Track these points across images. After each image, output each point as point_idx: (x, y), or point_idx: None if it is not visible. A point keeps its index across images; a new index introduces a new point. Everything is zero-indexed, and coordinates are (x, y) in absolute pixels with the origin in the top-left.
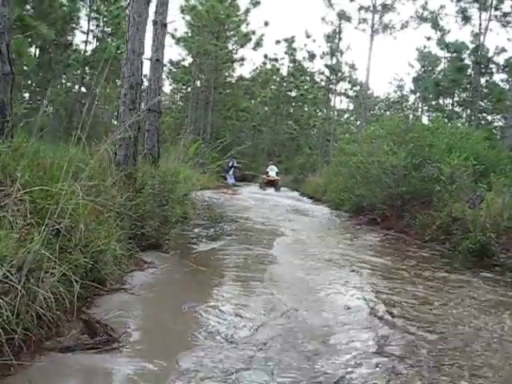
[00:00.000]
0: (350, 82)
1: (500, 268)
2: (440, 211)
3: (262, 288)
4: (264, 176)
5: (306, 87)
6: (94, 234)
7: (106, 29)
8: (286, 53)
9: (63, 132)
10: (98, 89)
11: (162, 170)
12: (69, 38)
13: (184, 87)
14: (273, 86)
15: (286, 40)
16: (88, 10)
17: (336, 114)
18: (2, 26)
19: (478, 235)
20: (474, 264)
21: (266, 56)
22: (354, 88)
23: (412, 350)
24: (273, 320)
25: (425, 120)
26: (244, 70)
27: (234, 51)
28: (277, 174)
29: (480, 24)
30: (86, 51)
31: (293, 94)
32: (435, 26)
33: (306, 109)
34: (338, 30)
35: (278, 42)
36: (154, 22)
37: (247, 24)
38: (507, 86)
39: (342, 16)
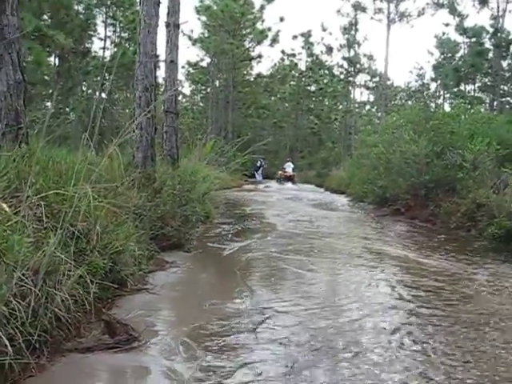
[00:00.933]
0: (368, 73)
1: None
2: (464, 198)
3: (291, 286)
4: (281, 172)
5: (325, 81)
6: (112, 236)
7: (122, 34)
8: (303, 47)
9: (87, 138)
10: (117, 94)
11: (181, 170)
12: (87, 45)
13: (203, 88)
14: (292, 82)
15: (302, 35)
16: (104, 16)
17: (357, 106)
18: (12, 35)
19: (503, 221)
20: (499, 249)
21: (283, 52)
22: (374, 79)
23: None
24: (310, 321)
25: (447, 108)
26: (262, 68)
27: (251, 49)
28: (293, 170)
29: (498, 6)
30: (104, 57)
31: (312, 88)
32: (452, 11)
33: (327, 103)
34: (354, 22)
35: (294, 37)
36: (167, 24)
37: (262, 21)
38: None
39: (358, 7)
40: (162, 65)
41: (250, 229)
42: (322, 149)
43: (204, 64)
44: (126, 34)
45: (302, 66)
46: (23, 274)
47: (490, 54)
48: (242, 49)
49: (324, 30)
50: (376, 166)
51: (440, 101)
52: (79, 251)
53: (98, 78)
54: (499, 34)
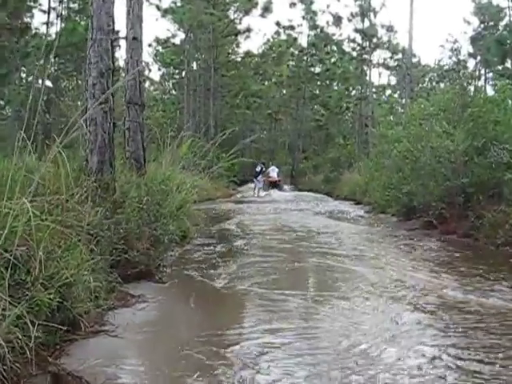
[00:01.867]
0: (388, 49)
1: None
2: None
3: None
4: (265, 178)
5: (332, 60)
6: (60, 264)
7: (71, 5)
8: (303, 18)
9: (26, 138)
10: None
11: (149, 178)
12: (25, 20)
13: (176, 71)
14: (290, 62)
15: (302, 1)
16: None
17: (374, 91)
18: None
19: None
20: None
21: (278, 24)
22: (395, 56)
23: None
24: None
25: (489, 91)
26: (251, 45)
27: (237, 21)
28: (278, 174)
29: None
30: (48, 35)
31: (317, 69)
32: None
33: (336, 88)
34: None
35: (292, 4)
36: None
37: None
38: None
39: None
40: (123, 43)
41: (238, 252)
42: (330, 146)
43: (177, 41)
44: (76, 5)
45: (303, 42)
46: None
47: None
48: (224, 21)
49: None
50: (400, 166)
51: (481, 82)
52: (17, 284)
53: (41, 62)
54: None
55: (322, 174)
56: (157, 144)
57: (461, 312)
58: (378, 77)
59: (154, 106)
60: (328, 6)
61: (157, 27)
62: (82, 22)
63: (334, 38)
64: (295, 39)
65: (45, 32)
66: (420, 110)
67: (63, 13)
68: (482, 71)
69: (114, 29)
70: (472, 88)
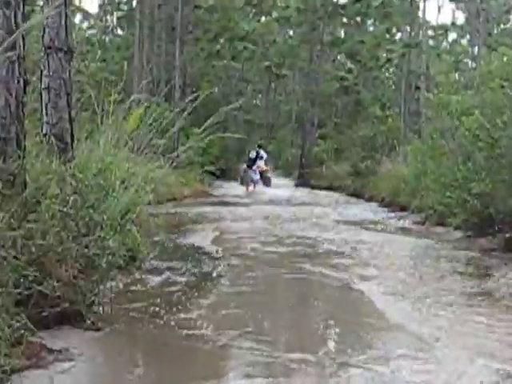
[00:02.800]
0: None
1: None
2: None
3: None
4: (245, 166)
5: None
6: None
7: None
8: None
9: None
10: None
11: (79, 166)
12: None
13: (124, 1)
14: None
15: None
16: None
17: (430, 35)
18: None
19: None
20: None
21: None
22: None
23: None
24: None
25: None
26: None
27: None
28: (266, 162)
29: None
30: None
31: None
32: None
33: (371, 28)
34: None
35: None
36: None
37: None
38: None
39: None
40: None
41: (214, 284)
42: (361, 120)
43: None
44: None
45: None
46: None
47: None
48: None
49: None
50: (470, 153)
51: None
52: None
53: None
54: None
55: (347, 163)
56: (91, 113)
57: None
58: (437, 12)
59: (89, 54)
60: None
61: None
62: None
63: None
64: None
65: None
66: (502, 66)
67: None
68: None
69: None
70: None
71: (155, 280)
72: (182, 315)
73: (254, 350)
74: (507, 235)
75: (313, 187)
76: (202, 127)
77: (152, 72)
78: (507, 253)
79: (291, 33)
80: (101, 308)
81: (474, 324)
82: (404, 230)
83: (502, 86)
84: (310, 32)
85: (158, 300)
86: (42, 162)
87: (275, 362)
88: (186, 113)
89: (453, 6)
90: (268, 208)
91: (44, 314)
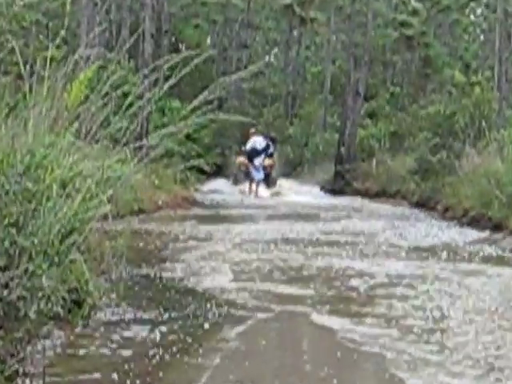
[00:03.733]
0: None
1: None
2: None
3: None
4: (241, 159)
5: None
6: None
7: None
8: None
9: None
10: None
11: None
12: None
13: None
14: None
15: None
16: None
17: None
18: None
19: None
20: None
21: None
22: None
23: None
24: None
25: None
26: None
27: None
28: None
29: None
30: None
31: None
32: None
33: None
34: None
35: None
36: None
37: None
38: None
39: None
40: None
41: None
42: (432, 89)
43: None
44: None
45: None
46: None
47: None
48: None
49: None
50: None
51: None
52: None
53: None
54: None
55: (410, 157)
56: (15, 78)
57: None
58: None
59: None
60: None
61: None
62: None
63: None
64: None
65: None
66: None
67: None
68: None
69: None
70: None
71: (113, 339)
72: None
73: None
74: None
75: (357, 192)
76: (189, 106)
77: (109, 13)
78: None
79: None
80: (27, 380)
81: None
82: (500, 263)
83: None
84: None
85: (115, 373)
86: None
87: None
88: (161, 78)
89: None
90: (283, 225)
91: None
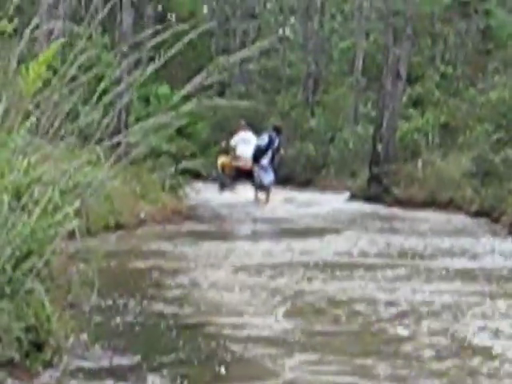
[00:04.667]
0: None
1: None
2: None
3: None
4: (224, 159)
5: None
6: None
7: None
8: None
9: None
10: None
11: None
12: None
13: None
14: None
15: None
16: None
17: None
18: None
19: None
20: None
21: None
22: None
23: None
24: None
25: None
26: None
27: None
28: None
29: None
30: None
31: None
32: None
33: None
34: None
35: None
36: None
37: None
38: None
39: None
40: None
41: None
42: (494, 69)
43: None
44: None
45: None
46: None
47: None
48: None
49: None
50: None
51: None
52: None
53: None
54: None
55: (466, 156)
56: None
57: None
58: None
59: None
60: None
61: None
62: None
63: None
64: None
65: None
66: None
67: None
68: None
69: None
70: None
71: None
72: None
73: None
74: None
75: (398, 201)
76: (181, 92)
77: None
78: None
79: None
80: None
81: None
82: None
83: None
84: None
85: None
86: None
87: None
88: (144, 57)
89: None
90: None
91: None
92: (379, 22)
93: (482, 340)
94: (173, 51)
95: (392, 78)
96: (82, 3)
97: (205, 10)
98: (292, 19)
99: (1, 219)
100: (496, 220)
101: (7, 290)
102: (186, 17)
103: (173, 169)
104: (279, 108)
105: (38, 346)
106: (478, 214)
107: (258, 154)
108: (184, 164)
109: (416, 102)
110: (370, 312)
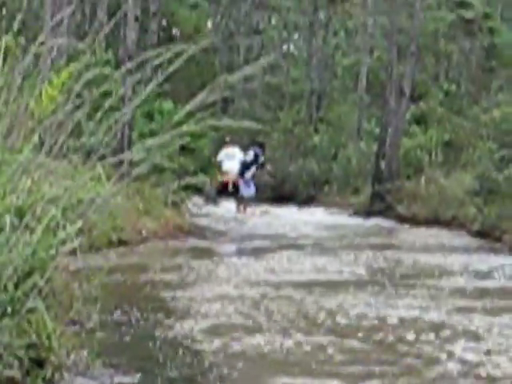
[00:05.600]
0: None
1: None
2: None
3: None
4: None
5: None
6: None
7: None
8: None
9: None
10: None
11: None
12: None
13: None
14: None
15: None
16: None
17: None
18: None
19: None
20: None
21: None
22: None
23: None
24: None
25: None
26: None
27: None
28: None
29: None
30: None
31: None
32: None
33: None
34: None
35: None
36: None
37: None
38: None
39: None
40: None
41: None
42: (498, 87)
43: None
44: None
45: None
46: None
47: None
48: None
49: None
50: None
51: None
52: None
53: None
54: None
55: (469, 174)
56: None
57: None
58: None
59: None
60: None
61: None
62: None
63: None
64: None
65: None
66: None
67: None
68: None
69: None
70: None
71: None
72: None
73: None
74: None
75: (400, 218)
76: (184, 109)
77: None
78: None
79: None
80: None
81: None
82: None
83: None
84: None
85: None
86: None
87: None
88: (149, 73)
89: None
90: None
91: None
92: (383, 38)
93: None
94: (175, 67)
95: (396, 95)
96: (87, 17)
97: (209, 25)
98: (296, 35)
99: (2, 238)
100: (498, 239)
101: (8, 308)
102: (190, 32)
103: (175, 184)
104: (282, 124)
105: (39, 364)
106: (480, 233)
107: (243, 169)
108: (187, 180)
109: (419, 120)
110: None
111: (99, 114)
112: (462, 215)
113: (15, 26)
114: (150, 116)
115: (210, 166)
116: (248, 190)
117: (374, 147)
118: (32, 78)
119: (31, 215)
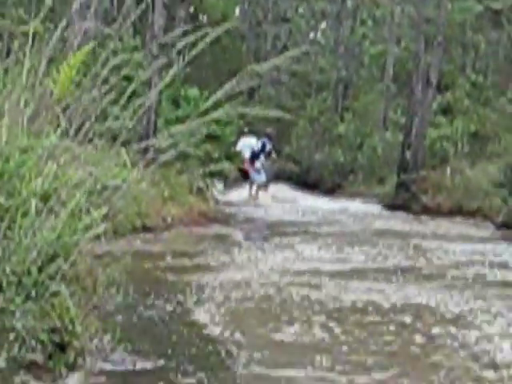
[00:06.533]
0: None
1: None
2: None
3: None
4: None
5: None
6: None
7: None
8: None
9: None
10: None
11: None
12: None
13: None
14: None
15: None
16: None
17: None
18: None
19: None
20: None
21: None
22: None
23: None
24: None
25: None
26: None
27: None
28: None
29: None
30: None
31: None
32: None
33: None
34: None
35: None
36: None
37: None
38: None
39: None
40: None
41: None
42: None
43: None
44: None
45: None
46: None
47: None
48: None
49: None
50: None
51: None
52: None
53: None
54: None
55: (495, 165)
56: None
57: None
58: None
59: None
60: None
61: None
62: None
63: None
64: None
65: None
66: None
67: None
68: None
69: None
70: None
71: None
72: None
73: None
74: None
75: (425, 209)
76: (211, 97)
77: None
78: None
79: None
80: None
81: None
82: None
83: None
84: None
85: None
86: None
87: None
88: (175, 58)
89: None
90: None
91: None
92: (411, 28)
93: None
94: (198, 49)
95: (422, 85)
96: (114, 4)
97: (237, 12)
98: (323, 24)
99: (28, 222)
100: None
101: (32, 292)
102: (218, 19)
103: (200, 171)
104: (308, 113)
105: (62, 348)
106: (504, 224)
107: (253, 158)
108: (214, 168)
109: (446, 110)
110: None
111: (124, 99)
112: (487, 206)
113: (43, 10)
114: (175, 103)
115: (236, 153)
116: (259, 177)
117: (400, 137)
118: (57, 63)
119: (56, 200)
